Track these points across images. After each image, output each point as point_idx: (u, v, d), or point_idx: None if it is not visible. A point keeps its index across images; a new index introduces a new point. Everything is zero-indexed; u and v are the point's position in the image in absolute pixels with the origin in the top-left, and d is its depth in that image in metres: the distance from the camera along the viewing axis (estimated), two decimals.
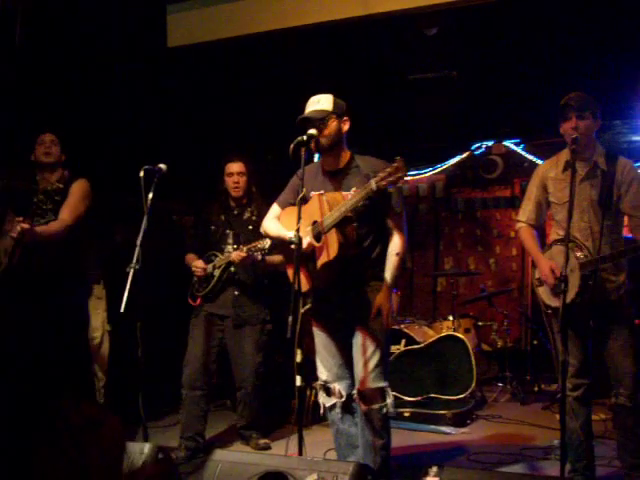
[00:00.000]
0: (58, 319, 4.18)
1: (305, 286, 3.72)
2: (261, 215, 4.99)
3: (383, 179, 3.33)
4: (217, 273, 4.97)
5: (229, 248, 5.03)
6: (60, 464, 1.47)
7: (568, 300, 3.55)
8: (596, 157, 3.91)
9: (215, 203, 5.19)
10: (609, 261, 3.77)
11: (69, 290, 4.32)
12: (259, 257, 4.80)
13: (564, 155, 3.98)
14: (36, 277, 4.09)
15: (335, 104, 3.79)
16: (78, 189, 4.29)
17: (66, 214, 4.27)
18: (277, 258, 4.83)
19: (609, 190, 3.82)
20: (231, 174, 5.08)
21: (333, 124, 3.75)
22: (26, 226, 3.90)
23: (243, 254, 4.78)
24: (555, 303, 3.85)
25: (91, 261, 4.58)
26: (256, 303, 5.08)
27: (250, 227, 5.05)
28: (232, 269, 4.99)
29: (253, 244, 4.73)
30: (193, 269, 5.02)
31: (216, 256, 5.03)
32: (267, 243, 4.64)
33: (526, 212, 4.18)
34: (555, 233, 4.05)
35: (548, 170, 4.10)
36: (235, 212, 5.14)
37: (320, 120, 3.70)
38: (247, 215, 5.11)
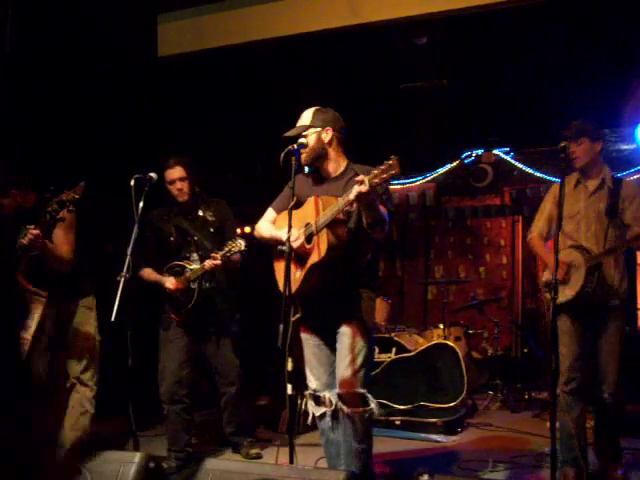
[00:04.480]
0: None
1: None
2: (217, 213, 4.94)
3: (376, 176, 3.31)
4: (195, 286, 4.79)
5: (195, 256, 4.87)
6: None
7: (574, 292, 4.18)
8: (604, 175, 4.35)
9: (164, 212, 4.96)
10: (608, 254, 4.21)
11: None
12: (236, 257, 4.71)
13: (576, 175, 4.43)
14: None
15: (314, 117, 3.83)
16: (69, 220, 4.20)
17: (67, 249, 4.21)
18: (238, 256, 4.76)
19: (615, 202, 4.27)
20: (172, 181, 4.83)
21: (312, 137, 3.78)
22: (37, 232, 3.86)
23: (218, 262, 4.65)
24: (561, 298, 4.11)
25: (84, 272, 4.54)
26: (227, 310, 5.00)
27: (211, 229, 4.92)
28: (208, 282, 4.85)
29: (227, 248, 4.60)
30: (167, 287, 4.80)
31: (183, 267, 4.82)
32: (242, 244, 4.57)
33: (538, 225, 4.59)
34: (563, 243, 4.36)
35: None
36: (189, 217, 4.95)
37: (297, 137, 3.73)
38: (203, 217, 4.95)
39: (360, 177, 3.34)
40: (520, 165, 8.17)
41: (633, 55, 5.75)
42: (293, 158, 3.56)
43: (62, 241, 4.20)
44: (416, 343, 6.51)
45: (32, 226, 3.85)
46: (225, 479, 2.96)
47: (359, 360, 3.72)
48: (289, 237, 3.48)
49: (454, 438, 5.60)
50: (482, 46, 6.17)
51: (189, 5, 6.32)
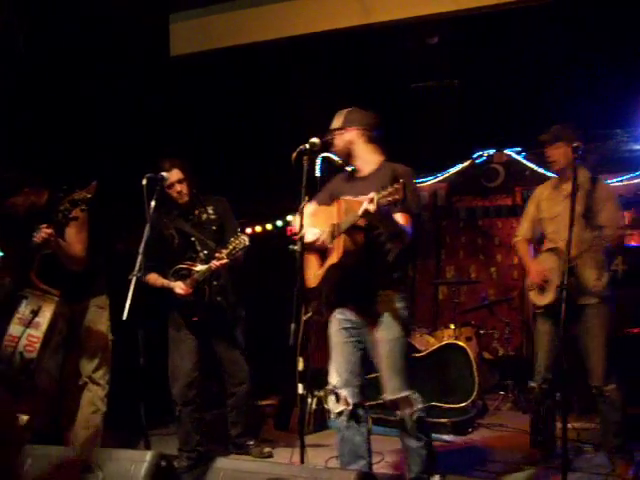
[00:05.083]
0: None
1: (312, 283, 3.79)
2: (217, 210, 4.93)
3: (383, 197, 3.37)
4: (206, 286, 4.76)
5: (201, 256, 4.83)
6: None
7: (552, 298, 4.42)
8: (579, 178, 4.39)
9: (162, 215, 4.83)
10: (583, 256, 4.31)
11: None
12: (240, 254, 4.63)
13: (555, 179, 4.73)
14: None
15: (345, 119, 3.95)
16: (81, 218, 4.21)
17: (80, 247, 4.23)
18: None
19: (590, 205, 4.45)
20: (171, 184, 4.78)
21: (337, 138, 3.92)
22: (50, 231, 3.88)
23: (225, 261, 4.61)
24: (543, 301, 4.56)
25: (96, 271, 4.54)
26: (234, 306, 4.99)
27: (214, 227, 4.89)
28: (215, 280, 4.81)
29: (232, 246, 4.56)
30: (177, 293, 4.75)
31: (189, 270, 4.78)
32: (246, 240, 4.55)
33: (522, 228, 4.90)
34: (545, 245, 4.67)
35: (542, 192, 4.80)
36: (190, 217, 4.93)
37: (327, 140, 3.87)
38: (204, 216, 4.92)
39: (371, 195, 3.38)
40: (532, 165, 8.12)
41: None
42: (305, 158, 3.58)
43: (75, 240, 4.21)
44: (427, 343, 6.50)
45: (45, 225, 3.87)
46: (236, 478, 2.96)
47: (398, 365, 3.77)
48: (301, 236, 3.51)
49: (465, 438, 5.60)
50: (493, 46, 6.16)
51: (200, 5, 6.33)
